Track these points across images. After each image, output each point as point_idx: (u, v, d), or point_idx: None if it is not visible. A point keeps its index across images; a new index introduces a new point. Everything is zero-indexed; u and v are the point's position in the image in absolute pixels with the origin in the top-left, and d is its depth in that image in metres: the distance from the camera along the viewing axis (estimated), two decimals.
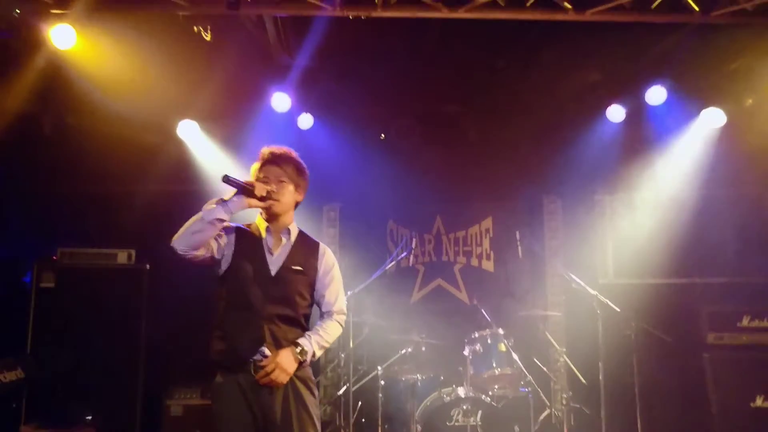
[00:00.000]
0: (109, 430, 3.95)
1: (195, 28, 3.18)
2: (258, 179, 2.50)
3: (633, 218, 5.25)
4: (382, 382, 4.30)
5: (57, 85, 4.19)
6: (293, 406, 2.39)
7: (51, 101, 4.49)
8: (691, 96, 4.80)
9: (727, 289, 4.75)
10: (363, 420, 4.78)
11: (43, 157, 4.77)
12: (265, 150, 2.57)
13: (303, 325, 2.53)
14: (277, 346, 2.40)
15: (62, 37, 3.63)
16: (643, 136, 5.05)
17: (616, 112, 4.97)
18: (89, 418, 3.63)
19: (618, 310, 4.04)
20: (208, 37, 3.23)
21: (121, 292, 4.33)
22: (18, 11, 2.93)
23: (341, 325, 2.63)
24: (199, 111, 4.96)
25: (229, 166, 5.22)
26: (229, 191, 2.38)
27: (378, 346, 4.66)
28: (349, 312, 4.11)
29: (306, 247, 2.60)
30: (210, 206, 2.34)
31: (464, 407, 3.86)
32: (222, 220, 2.36)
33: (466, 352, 4.21)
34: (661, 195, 5.11)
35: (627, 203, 5.32)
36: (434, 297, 5.73)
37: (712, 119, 4.87)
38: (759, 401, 4.26)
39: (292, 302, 2.47)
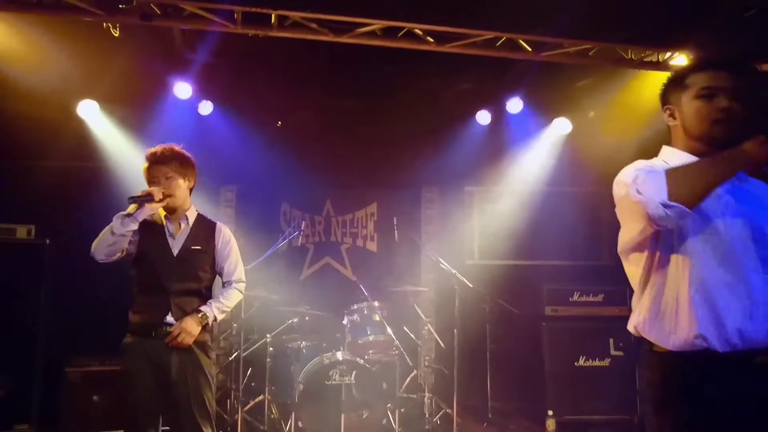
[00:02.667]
0: (9, 394, 4.19)
1: (104, 25, 3.45)
2: (152, 182, 2.84)
3: (495, 208, 6.09)
4: (271, 349, 4.75)
5: None
6: (188, 365, 2.79)
7: None
8: (544, 107, 5.65)
9: (563, 270, 5.69)
10: (252, 384, 5.27)
11: None
12: (149, 152, 2.89)
13: (205, 295, 2.94)
14: (183, 315, 2.79)
15: None
16: (504, 139, 5.86)
17: (483, 117, 5.75)
18: None
19: (471, 286, 4.79)
20: (116, 33, 3.52)
21: (20, 266, 4.49)
22: None
23: (241, 292, 3.05)
24: (101, 92, 5.15)
25: (128, 146, 5.48)
26: (131, 205, 2.75)
27: (268, 317, 5.09)
28: None
29: (204, 229, 2.99)
30: (117, 220, 2.70)
31: (341, 368, 4.42)
32: (132, 230, 2.74)
33: (345, 322, 4.80)
34: (517, 189, 5.97)
35: (491, 195, 6.15)
36: (323, 273, 6.29)
37: (560, 128, 5.77)
38: (581, 361, 5.21)
39: (195, 277, 2.88)
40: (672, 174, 1.70)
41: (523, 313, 5.47)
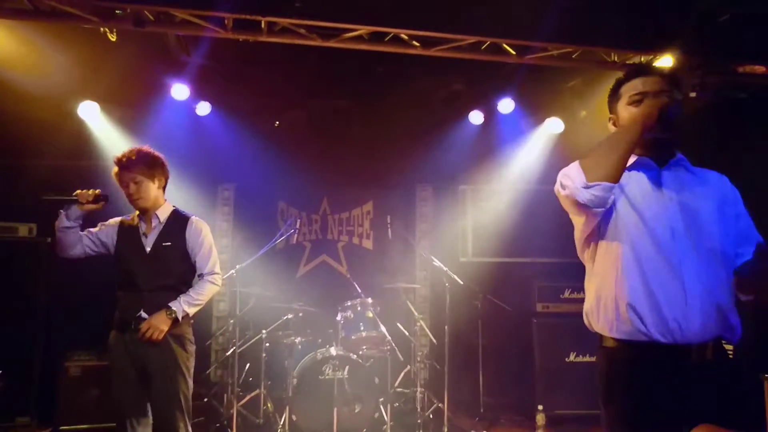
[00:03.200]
0: (11, 388, 4.31)
1: (101, 30, 3.56)
2: (122, 186, 2.99)
3: (488, 207, 6.18)
4: (267, 345, 4.84)
5: None
6: (164, 359, 2.91)
7: None
8: (535, 107, 5.73)
9: (554, 268, 5.77)
10: (250, 379, 5.40)
11: None
12: (115, 158, 3.01)
13: (181, 290, 3.02)
14: (156, 310, 2.91)
15: None
16: (497, 138, 5.95)
17: (476, 117, 5.84)
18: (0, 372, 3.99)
19: (461, 282, 4.88)
20: (113, 38, 3.62)
21: (22, 264, 4.60)
22: None
23: (214, 283, 3.09)
24: (100, 94, 5.27)
25: (127, 145, 5.59)
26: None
27: (264, 314, 5.22)
28: (236, 283, 4.71)
29: (177, 225, 3.08)
30: (60, 216, 2.94)
31: (334, 363, 4.52)
32: (69, 227, 2.95)
33: (338, 318, 4.91)
34: (510, 188, 6.06)
35: (484, 194, 6.24)
36: (319, 271, 6.40)
37: (552, 127, 5.85)
38: (572, 357, 5.31)
39: (167, 273, 2.99)
40: (583, 160, 1.85)
41: (515, 309, 5.57)
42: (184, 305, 2.97)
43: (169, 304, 2.94)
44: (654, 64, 3.34)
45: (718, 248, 1.86)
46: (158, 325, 2.88)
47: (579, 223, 1.97)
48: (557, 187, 1.91)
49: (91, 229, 3.09)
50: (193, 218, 3.14)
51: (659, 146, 1.93)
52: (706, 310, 1.78)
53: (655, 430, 1.81)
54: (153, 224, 3.06)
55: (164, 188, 3.14)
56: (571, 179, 1.82)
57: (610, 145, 1.83)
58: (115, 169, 3.01)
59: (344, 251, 6.47)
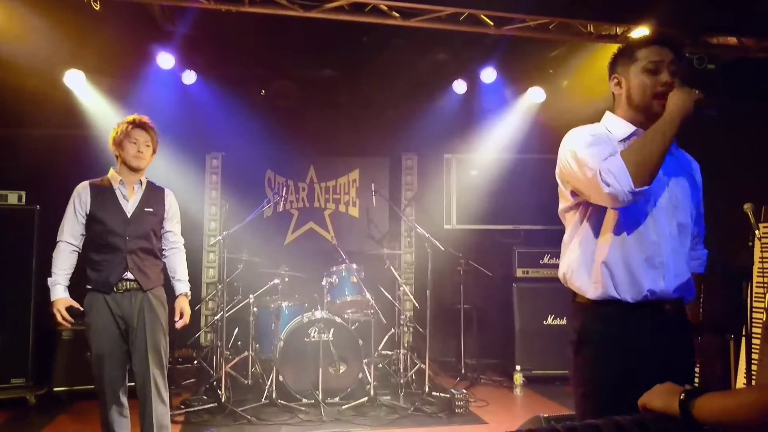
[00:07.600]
0: (6, 351, 4.46)
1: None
2: (131, 143, 3.14)
3: (472, 175, 6.31)
4: (254, 309, 5.01)
5: None
6: (147, 314, 3.10)
7: None
8: (518, 76, 5.81)
9: (534, 234, 5.94)
10: (239, 342, 5.57)
11: None
12: (136, 117, 3.20)
13: (157, 255, 3.24)
14: (139, 272, 3.08)
15: None
16: (481, 107, 6.04)
17: (459, 87, 5.91)
18: None
19: (443, 249, 5.03)
20: (97, 7, 3.66)
21: (11, 232, 4.67)
22: None
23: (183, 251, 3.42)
24: (87, 63, 5.29)
25: (114, 114, 5.63)
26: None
27: (252, 279, 5.38)
28: (224, 249, 4.85)
29: (154, 193, 3.29)
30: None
31: (319, 326, 4.69)
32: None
33: (323, 283, 5.06)
34: (494, 156, 6.17)
35: (468, 162, 6.35)
36: (306, 238, 6.54)
37: (534, 96, 5.94)
38: (549, 320, 5.52)
39: (148, 237, 3.17)
40: (630, 163, 1.83)
41: (496, 275, 5.75)
42: (188, 283, 3.36)
43: (182, 290, 3.32)
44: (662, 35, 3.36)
45: (689, 223, 2.02)
46: (188, 309, 3.28)
47: (581, 197, 1.99)
48: (590, 175, 1.86)
49: (71, 233, 3.17)
50: (168, 190, 3.38)
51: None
52: (677, 276, 1.94)
53: (615, 381, 1.93)
54: (135, 189, 3.22)
55: None
56: (617, 180, 1.81)
57: (653, 148, 1.84)
58: (128, 126, 3.15)
59: (331, 219, 6.60)
